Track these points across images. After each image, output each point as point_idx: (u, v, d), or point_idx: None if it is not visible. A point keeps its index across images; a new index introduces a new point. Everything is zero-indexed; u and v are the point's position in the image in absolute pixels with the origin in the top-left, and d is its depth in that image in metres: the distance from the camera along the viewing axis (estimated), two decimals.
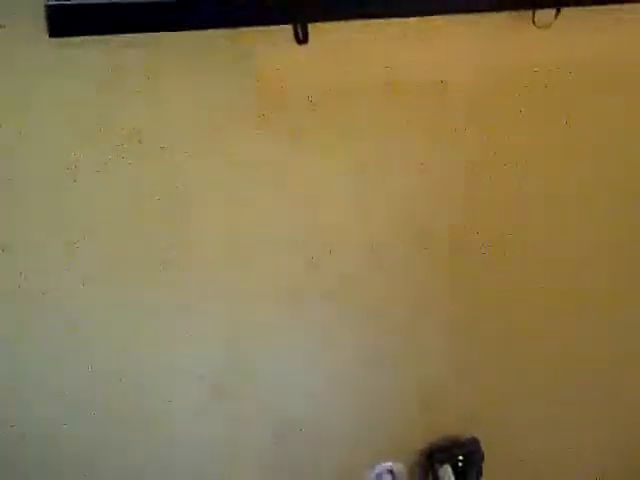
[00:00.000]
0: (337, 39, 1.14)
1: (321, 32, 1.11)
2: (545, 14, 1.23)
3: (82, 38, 0.96)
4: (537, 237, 1.43)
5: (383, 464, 1.48)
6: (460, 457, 1.48)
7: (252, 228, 1.21)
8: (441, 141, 1.28)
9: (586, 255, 1.49)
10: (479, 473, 1.50)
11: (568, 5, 1.22)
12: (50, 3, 0.89)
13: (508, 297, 1.46)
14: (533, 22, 1.24)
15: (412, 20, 1.16)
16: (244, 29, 1.06)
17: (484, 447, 1.51)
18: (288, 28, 1.10)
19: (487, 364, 1.49)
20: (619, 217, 1.49)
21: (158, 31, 1.00)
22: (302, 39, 1.11)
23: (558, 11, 1.22)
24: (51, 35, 0.91)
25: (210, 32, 1.04)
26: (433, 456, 1.49)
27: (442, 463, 1.48)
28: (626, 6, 1.27)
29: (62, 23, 0.91)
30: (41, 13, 0.92)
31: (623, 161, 1.45)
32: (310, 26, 1.09)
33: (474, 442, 1.51)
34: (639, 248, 1.53)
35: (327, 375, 1.36)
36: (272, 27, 1.08)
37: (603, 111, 1.38)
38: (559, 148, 1.38)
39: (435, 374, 1.45)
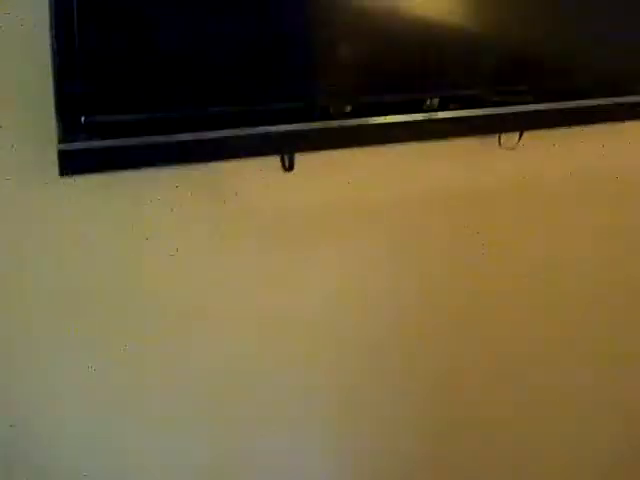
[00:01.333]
0: (321, 166, 1.23)
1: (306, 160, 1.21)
2: (510, 137, 1.35)
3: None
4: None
5: None
6: None
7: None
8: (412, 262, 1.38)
9: None
10: None
11: (529, 129, 1.33)
12: (62, 148, 0.98)
13: None
14: (499, 144, 1.35)
15: (390, 147, 1.26)
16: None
17: None
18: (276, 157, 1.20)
19: None
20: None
21: (156, 166, 1.09)
22: (288, 167, 1.20)
23: (521, 134, 1.34)
24: (62, 174, 1.00)
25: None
26: None
27: None
28: (585, 128, 1.40)
29: (72, 164, 0.99)
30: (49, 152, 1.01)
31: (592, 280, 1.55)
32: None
33: None
34: None
35: None
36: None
37: (572, 226, 1.49)
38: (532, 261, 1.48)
39: None
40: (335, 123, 1.14)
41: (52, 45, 0.93)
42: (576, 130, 1.39)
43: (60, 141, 0.98)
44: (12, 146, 1.04)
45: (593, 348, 1.63)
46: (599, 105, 1.35)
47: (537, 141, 1.37)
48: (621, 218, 1.57)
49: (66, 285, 1.12)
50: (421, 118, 1.22)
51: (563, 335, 1.57)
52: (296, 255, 1.27)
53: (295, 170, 1.20)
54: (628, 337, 1.68)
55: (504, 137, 1.34)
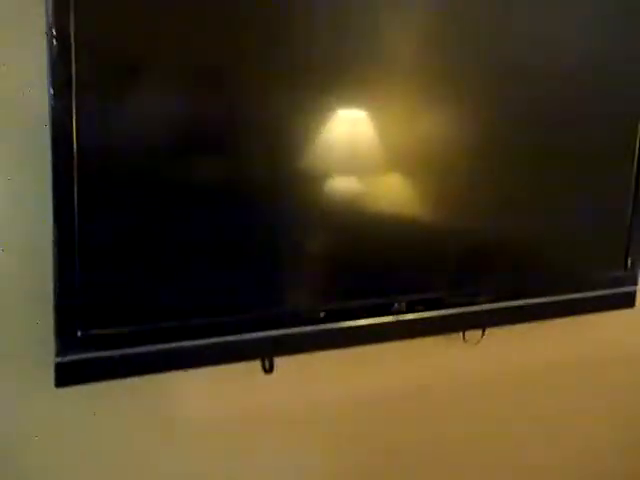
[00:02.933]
0: (299, 367, 1.32)
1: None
2: (473, 333, 1.45)
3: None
4: None
5: None
6: None
7: None
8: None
9: None
10: None
11: (491, 326, 1.44)
12: (59, 360, 1.06)
13: None
14: (463, 339, 1.46)
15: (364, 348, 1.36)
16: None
17: None
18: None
19: None
20: None
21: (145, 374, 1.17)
22: (269, 369, 1.29)
23: (484, 330, 1.45)
24: (57, 385, 1.08)
25: None
26: None
27: None
28: (541, 323, 1.51)
29: (69, 375, 1.07)
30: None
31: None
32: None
33: None
34: None
35: None
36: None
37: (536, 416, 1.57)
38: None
39: None
40: (309, 328, 1.24)
41: (54, 271, 1.04)
42: (535, 324, 1.50)
43: (57, 354, 1.06)
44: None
45: None
46: (553, 302, 1.47)
47: (500, 336, 1.48)
48: (583, 404, 1.65)
49: None
50: (390, 320, 1.32)
51: None
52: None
53: (275, 372, 1.28)
54: None
55: (468, 333, 1.45)
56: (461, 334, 1.45)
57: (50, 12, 0.96)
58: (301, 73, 1.20)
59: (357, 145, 1.28)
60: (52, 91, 0.99)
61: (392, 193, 1.33)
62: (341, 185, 1.28)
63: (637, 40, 1.47)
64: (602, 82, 1.45)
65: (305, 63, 1.20)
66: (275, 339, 1.23)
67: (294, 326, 1.24)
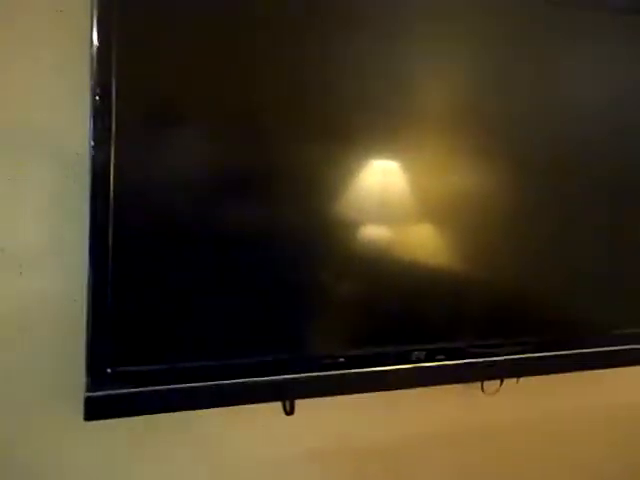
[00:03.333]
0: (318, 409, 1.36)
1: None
2: (492, 383, 1.48)
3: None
4: None
5: None
6: None
7: None
8: None
9: None
10: None
11: (509, 377, 1.47)
12: (89, 395, 1.12)
13: None
14: (482, 390, 1.48)
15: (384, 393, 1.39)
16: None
17: None
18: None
19: None
20: None
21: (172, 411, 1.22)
22: (289, 411, 1.33)
23: (502, 381, 1.48)
24: (86, 419, 1.13)
25: None
26: None
27: None
28: (560, 375, 1.53)
29: (98, 410, 1.13)
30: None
31: None
32: None
33: None
34: None
35: None
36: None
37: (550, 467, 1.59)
38: None
39: None
40: (329, 373, 1.28)
41: (87, 315, 1.10)
42: (556, 377, 1.52)
43: (87, 389, 1.12)
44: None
45: None
46: (573, 354, 1.49)
47: (517, 387, 1.50)
48: (594, 456, 1.66)
49: None
50: (409, 367, 1.36)
51: None
52: None
53: (295, 414, 1.32)
54: None
55: (486, 383, 1.47)
56: (480, 384, 1.47)
57: (94, 72, 1.05)
58: (335, 124, 1.26)
59: (387, 195, 1.33)
60: (93, 143, 1.06)
61: (418, 243, 1.37)
62: (369, 233, 1.33)
63: None
64: (625, 142, 1.49)
65: (339, 114, 1.26)
66: (295, 382, 1.27)
67: (314, 371, 1.28)
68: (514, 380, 1.48)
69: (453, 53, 1.33)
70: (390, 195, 1.33)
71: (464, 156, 1.36)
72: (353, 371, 1.31)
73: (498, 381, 1.48)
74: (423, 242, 1.37)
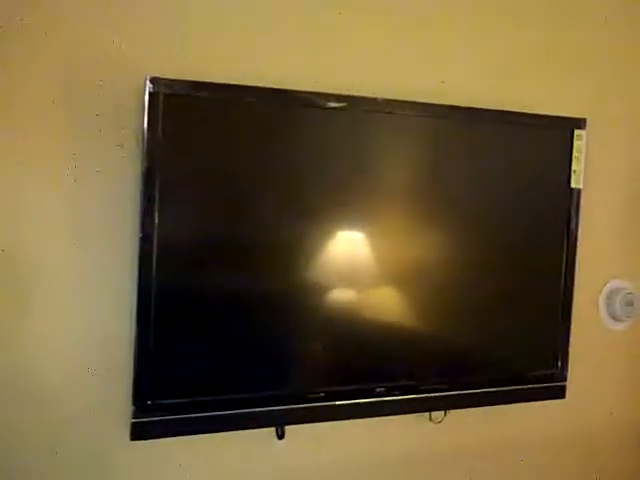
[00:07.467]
0: (305, 434, 1.75)
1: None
2: (438, 414, 1.89)
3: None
4: None
5: None
6: None
7: None
8: None
9: None
10: None
11: (451, 409, 1.88)
12: (134, 421, 1.50)
13: None
14: (430, 419, 1.88)
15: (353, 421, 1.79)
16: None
17: None
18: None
19: None
20: None
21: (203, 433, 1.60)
22: (280, 436, 1.72)
23: (446, 412, 1.88)
24: (132, 439, 1.51)
25: None
26: None
27: None
28: (492, 408, 1.94)
29: (142, 432, 1.51)
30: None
31: None
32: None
33: None
34: None
35: None
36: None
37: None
38: None
39: None
40: (312, 404, 1.68)
41: (134, 361, 1.50)
42: (489, 409, 1.93)
43: (133, 416, 1.50)
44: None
45: None
46: (497, 392, 1.90)
47: (459, 417, 1.90)
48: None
49: None
50: (373, 401, 1.76)
51: None
52: None
53: (285, 438, 1.71)
54: None
55: (434, 414, 1.88)
56: (428, 414, 1.88)
57: (139, 224, 1.49)
58: (308, 202, 1.67)
59: (354, 262, 1.74)
60: None
61: (380, 303, 1.78)
62: (338, 295, 1.73)
63: None
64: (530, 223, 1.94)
65: (311, 194, 1.67)
66: (286, 412, 1.66)
67: (300, 403, 1.67)
68: (458, 411, 1.88)
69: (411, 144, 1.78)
70: (355, 262, 1.74)
71: (417, 229, 1.80)
72: (331, 403, 1.70)
73: (442, 412, 1.88)
74: (382, 302, 1.79)
